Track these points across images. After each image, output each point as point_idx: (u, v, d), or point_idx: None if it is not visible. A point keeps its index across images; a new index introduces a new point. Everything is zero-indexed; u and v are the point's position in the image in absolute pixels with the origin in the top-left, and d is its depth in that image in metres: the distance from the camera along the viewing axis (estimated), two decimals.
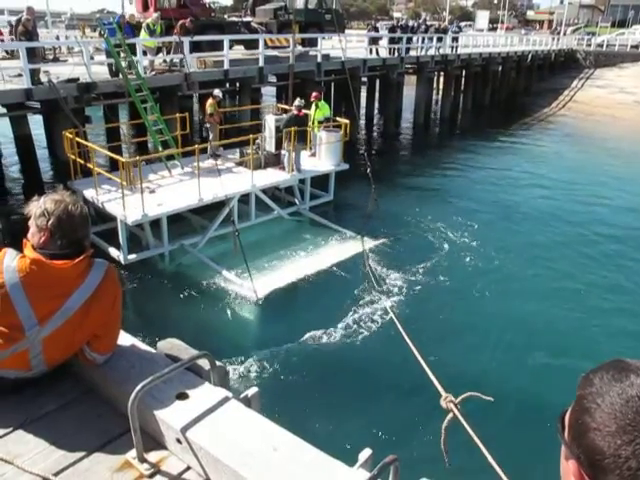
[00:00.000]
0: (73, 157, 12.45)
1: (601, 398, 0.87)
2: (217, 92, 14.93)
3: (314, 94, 15.94)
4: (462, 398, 2.79)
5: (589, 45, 45.28)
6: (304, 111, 14.78)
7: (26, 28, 14.78)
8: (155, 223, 11.91)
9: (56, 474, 2.14)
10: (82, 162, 12.71)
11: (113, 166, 15.06)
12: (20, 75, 14.35)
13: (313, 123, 15.78)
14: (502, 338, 10.12)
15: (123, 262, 11.54)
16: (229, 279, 11.47)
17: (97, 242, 12.14)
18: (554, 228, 15.64)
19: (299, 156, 14.48)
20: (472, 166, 22.46)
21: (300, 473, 1.99)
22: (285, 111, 16.16)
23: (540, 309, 11.12)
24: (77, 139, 12.50)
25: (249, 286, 10.92)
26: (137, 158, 12.13)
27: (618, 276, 12.73)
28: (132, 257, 11.68)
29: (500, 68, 36.37)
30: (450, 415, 2.77)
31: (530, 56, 38.68)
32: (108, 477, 2.15)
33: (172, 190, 12.86)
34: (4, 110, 15.69)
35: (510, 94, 37.60)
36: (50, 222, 2.45)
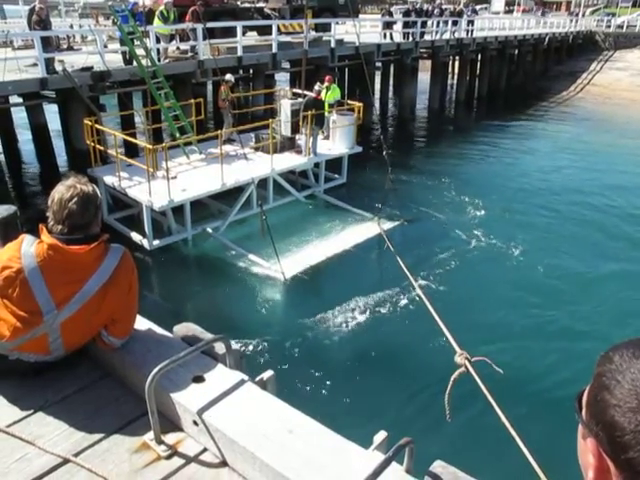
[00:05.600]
0: (92, 144, 12.53)
1: (621, 375, 0.86)
2: (229, 77, 14.94)
3: (327, 77, 15.95)
4: (476, 359, 2.82)
5: (609, 26, 44.28)
6: (305, 92, 14.92)
7: (40, 17, 14.80)
8: (176, 209, 11.99)
9: (76, 455, 2.18)
10: (102, 149, 12.79)
11: (128, 153, 15.15)
12: (35, 64, 14.42)
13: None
14: (522, 315, 10.17)
15: (148, 248, 11.64)
16: (255, 261, 11.55)
17: (119, 228, 12.27)
18: (574, 211, 15.48)
19: (316, 139, 14.51)
20: (488, 150, 22.26)
21: (315, 455, 2.00)
22: (299, 95, 16.14)
23: (561, 289, 11.12)
24: (97, 126, 12.58)
25: (276, 268, 10.99)
26: (163, 144, 12.18)
27: None
28: (157, 243, 11.78)
29: (516, 51, 35.81)
30: (461, 369, 2.79)
31: (547, 39, 38.02)
32: (126, 458, 2.18)
33: (192, 175, 12.94)
34: (20, 99, 15.81)
35: (527, 78, 37.05)
36: (53, 207, 2.48)
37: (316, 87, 14.73)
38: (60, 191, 2.48)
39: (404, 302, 10.24)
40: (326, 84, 15.74)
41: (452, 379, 2.82)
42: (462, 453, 5.67)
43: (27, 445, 2.22)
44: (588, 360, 0.97)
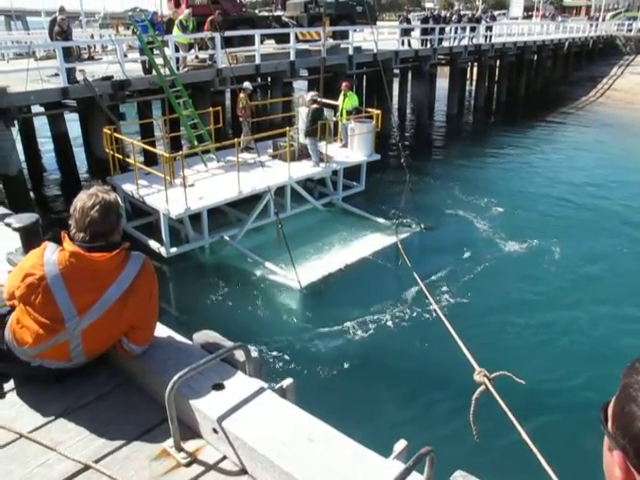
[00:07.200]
0: (112, 153, 12.68)
1: None
2: (247, 84, 14.99)
3: (344, 84, 15.92)
4: (495, 375, 2.79)
5: (630, 30, 43.84)
6: (324, 100, 14.71)
7: (62, 28, 15.08)
8: (193, 216, 12.04)
9: (96, 461, 2.19)
10: (121, 157, 12.93)
11: (147, 162, 15.30)
12: (57, 74, 14.66)
13: (342, 113, 15.78)
14: (542, 325, 9.98)
15: (165, 255, 11.69)
16: (272, 270, 11.54)
17: (137, 236, 12.36)
18: (601, 218, 15.23)
19: (317, 148, 14.33)
20: (508, 156, 22.10)
21: (335, 464, 1.99)
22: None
23: (582, 299, 10.91)
24: (116, 135, 12.73)
25: (292, 276, 10.97)
26: (180, 152, 12.28)
27: None
28: (174, 250, 11.83)
29: (535, 57, 35.55)
30: (481, 388, 2.76)
31: (567, 44, 37.71)
32: (146, 465, 2.19)
33: (210, 183, 12.98)
34: (42, 109, 16.08)
35: (546, 84, 36.76)
36: (75, 215, 2.51)
37: (312, 95, 14.55)
38: (82, 199, 2.51)
39: (422, 313, 10.11)
40: (344, 90, 15.73)
41: (474, 399, 2.78)
42: (483, 463, 5.60)
43: (49, 451, 2.24)
44: (614, 371, 0.95)
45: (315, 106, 13.99)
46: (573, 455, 5.96)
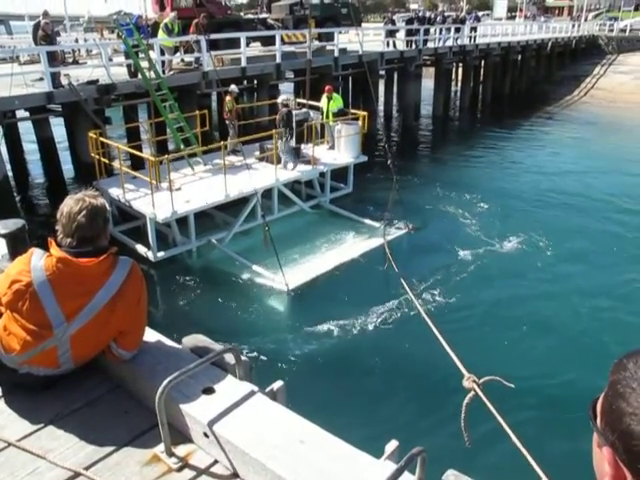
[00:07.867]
0: (97, 157, 12.59)
1: (636, 382, 0.84)
2: (233, 87, 14.96)
3: (327, 87, 15.98)
4: (484, 380, 2.79)
5: (611, 30, 44.35)
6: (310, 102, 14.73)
7: (46, 32, 14.96)
8: (181, 220, 11.99)
9: (87, 468, 2.17)
10: (107, 162, 12.85)
11: (134, 166, 15.21)
12: (41, 79, 14.55)
13: (327, 115, 15.82)
14: (529, 327, 9.98)
15: (153, 259, 11.65)
16: (259, 273, 11.51)
17: (124, 240, 12.29)
18: (586, 213, 15.34)
19: (289, 150, 14.33)
20: (494, 156, 22.22)
21: (327, 466, 1.99)
22: (303, 105, 16.17)
23: (570, 298, 10.95)
24: (102, 139, 12.64)
25: (280, 279, 10.95)
26: (166, 156, 12.24)
27: None
28: (161, 254, 11.79)
29: (519, 57, 35.81)
30: (471, 393, 2.77)
31: (550, 44, 38.04)
32: (137, 471, 2.18)
33: (197, 187, 12.94)
34: (27, 114, 15.94)
35: (530, 83, 37.04)
36: (62, 221, 2.49)
37: (282, 98, 14.57)
38: (69, 204, 2.50)
39: (410, 316, 10.05)
40: (328, 94, 15.76)
41: (464, 405, 2.79)
42: (475, 465, 5.62)
43: (38, 459, 2.22)
44: (603, 369, 0.96)
45: (285, 109, 14.01)
46: (563, 455, 6.00)
